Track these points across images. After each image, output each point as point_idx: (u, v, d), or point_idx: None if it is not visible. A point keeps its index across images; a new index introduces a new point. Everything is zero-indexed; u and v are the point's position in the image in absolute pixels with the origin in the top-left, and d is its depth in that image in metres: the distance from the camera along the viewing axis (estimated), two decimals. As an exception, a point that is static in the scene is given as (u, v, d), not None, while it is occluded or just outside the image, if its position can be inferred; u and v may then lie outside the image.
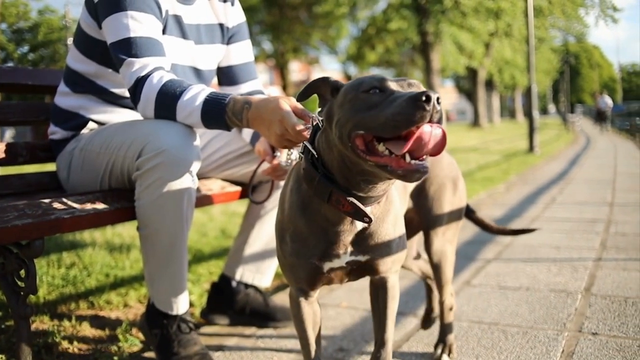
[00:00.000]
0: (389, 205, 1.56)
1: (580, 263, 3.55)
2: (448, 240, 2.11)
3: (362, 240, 1.53)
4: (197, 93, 1.89)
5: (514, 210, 5.79)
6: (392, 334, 1.74)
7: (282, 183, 2.45)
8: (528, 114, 15.67)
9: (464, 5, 20.23)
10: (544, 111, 75.44)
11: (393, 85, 1.34)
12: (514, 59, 31.85)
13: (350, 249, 1.52)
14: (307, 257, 1.53)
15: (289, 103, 1.74)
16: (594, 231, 4.57)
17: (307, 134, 1.70)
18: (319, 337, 1.68)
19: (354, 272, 1.60)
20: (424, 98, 1.19)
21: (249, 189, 2.37)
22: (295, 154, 1.97)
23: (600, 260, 3.62)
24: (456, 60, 23.76)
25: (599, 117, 30.86)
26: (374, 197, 1.45)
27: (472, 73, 30.15)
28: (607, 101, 30.74)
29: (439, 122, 1.26)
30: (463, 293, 3.01)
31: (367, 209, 1.43)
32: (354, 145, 1.30)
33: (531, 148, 14.94)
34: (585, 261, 3.59)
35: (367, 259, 1.56)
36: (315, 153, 1.46)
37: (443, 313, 2.24)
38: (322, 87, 1.47)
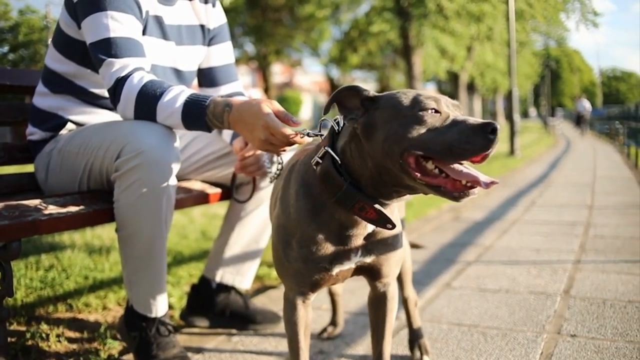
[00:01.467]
0: (392, 206, 1.57)
1: (559, 265, 3.57)
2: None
3: (369, 241, 1.57)
4: (178, 94, 1.88)
5: (495, 213, 5.82)
6: (390, 346, 1.76)
7: (262, 184, 2.45)
8: (509, 118, 15.78)
9: (447, 9, 20.30)
10: (525, 114, 75.87)
11: (445, 107, 1.37)
12: (495, 62, 32.01)
13: (359, 251, 1.55)
14: (317, 262, 1.53)
15: (271, 106, 1.74)
16: (573, 234, 4.61)
17: (298, 139, 1.70)
18: (308, 342, 1.68)
19: (356, 271, 1.62)
20: (491, 129, 1.26)
21: (232, 189, 2.36)
22: (281, 159, 1.98)
23: (579, 262, 3.64)
24: (438, 63, 23.86)
25: (579, 120, 31.12)
26: (391, 204, 1.48)
27: (454, 76, 30.29)
28: (586, 105, 31.02)
29: None
30: (443, 295, 3.02)
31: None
32: (406, 163, 1.34)
33: (512, 151, 15.04)
34: (565, 263, 3.62)
35: (373, 260, 1.59)
36: (338, 159, 1.46)
37: (409, 311, 2.25)
38: (350, 97, 1.46)
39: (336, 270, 1.55)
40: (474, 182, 1.31)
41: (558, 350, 2.25)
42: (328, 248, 1.52)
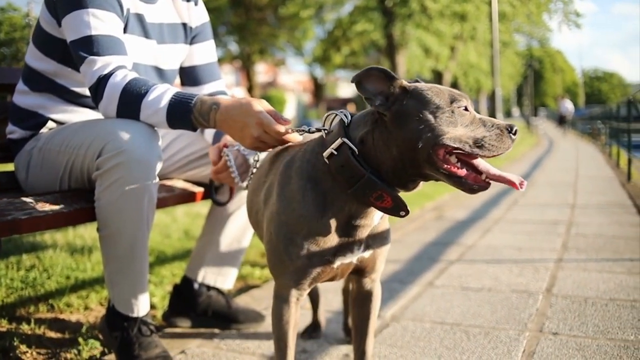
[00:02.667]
0: None
1: (541, 264, 3.59)
2: None
3: (369, 236, 1.61)
4: (163, 92, 1.87)
5: (477, 212, 5.85)
6: (372, 344, 1.77)
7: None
8: (492, 117, 15.85)
9: (430, 8, 20.35)
10: (508, 114, 76.11)
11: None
12: (478, 62, 32.14)
13: (362, 244, 1.59)
14: (321, 255, 1.55)
15: (261, 105, 1.74)
16: (555, 232, 4.64)
17: (291, 136, 1.70)
18: (295, 341, 1.68)
19: (353, 267, 1.65)
20: (514, 131, 1.43)
21: (211, 190, 2.35)
22: (260, 156, 1.97)
23: (562, 261, 3.66)
24: (422, 63, 23.91)
25: (561, 120, 31.35)
26: (406, 192, 1.55)
27: (438, 76, 30.37)
28: (568, 105, 31.28)
29: None
30: (426, 294, 3.02)
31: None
32: (435, 154, 1.40)
33: (495, 150, 15.07)
34: (547, 262, 3.64)
35: (370, 254, 1.63)
36: (356, 150, 1.48)
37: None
38: (377, 79, 1.47)
39: (338, 263, 1.58)
40: (509, 183, 1.42)
41: (540, 348, 2.26)
42: (334, 241, 1.55)
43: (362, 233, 1.58)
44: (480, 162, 1.45)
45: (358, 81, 1.48)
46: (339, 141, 1.49)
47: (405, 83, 1.47)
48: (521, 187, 1.42)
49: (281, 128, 1.69)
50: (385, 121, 1.45)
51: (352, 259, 1.60)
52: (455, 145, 1.39)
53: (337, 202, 1.52)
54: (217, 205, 2.46)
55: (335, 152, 1.49)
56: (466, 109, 1.44)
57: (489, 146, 1.40)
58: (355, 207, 1.52)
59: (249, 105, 1.73)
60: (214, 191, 2.40)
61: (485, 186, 1.44)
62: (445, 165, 1.41)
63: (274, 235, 1.59)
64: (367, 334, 1.76)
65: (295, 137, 1.71)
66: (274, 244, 1.59)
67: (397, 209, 1.49)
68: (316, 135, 1.65)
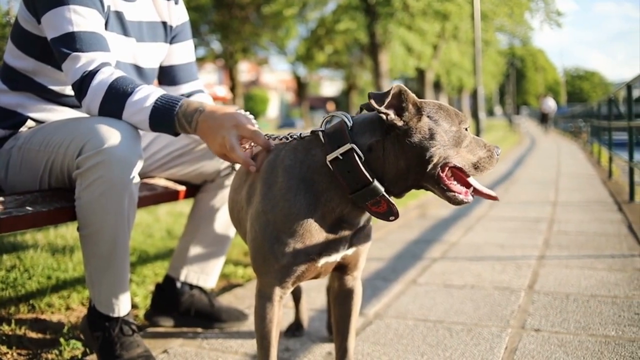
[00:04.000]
0: None
1: (523, 261, 3.61)
2: None
3: (354, 235, 1.64)
4: (150, 93, 1.87)
5: (460, 210, 5.86)
6: (354, 341, 1.78)
7: (227, 182, 2.43)
8: (475, 116, 15.93)
9: (412, 7, 20.39)
10: (490, 113, 76.56)
11: None
12: (461, 61, 32.27)
13: (347, 243, 1.62)
14: (307, 254, 1.56)
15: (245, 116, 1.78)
16: (537, 230, 4.66)
17: (250, 146, 1.73)
18: (278, 339, 1.68)
19: (336, 265, 1.68)
20: (499, 153, 1.59)
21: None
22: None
23: (543, 258, 3.69)
24: (404, 61, 23.96)
25: (543, 119, 31.53)
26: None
27: (420, 74, 30.44)
28: (550, 104, 31.44)
29: None
30: (409, 291, 3.03)
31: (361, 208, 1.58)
32: (442, 171, 1.50)
33: (478, 149, 15.13)
34: (529, 259, 3.66)
35: (353, 252, 1.66)
36: (362, 156, 1.51)
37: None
38: (395, 94, 1.49)
39: (322, 261, 1.59)
40: (488, 197, 1.59)
41: (522, 345, 2.27)
42: (320, 240, 1.56)
43: (348, 233, 1.60)
44: (471, 179, 1.57)
45: (372, 95, 1.51)
46: (347, 146, 1.50)
47: (417, 100, 1.51)
48: (497, 200, 1.61)
49: (256, 127, 1.72)
50: (399, 134, 1.48)
51: (336, 257, 1.62)
52: (459, 166, 1.51)
53: (329, 204, 1.54)
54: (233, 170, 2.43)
55: (341, 157, 1.50)
56: (466, 129, 1.54)
57: (482, 167, 1.55)
58: (349, 209, 1.55)
59: (232, 112, 1.76)
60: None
61: (470, 201, 1.55)
62: (447, 182, 1.51)
63: (259, 233, 1.59)
64: (349, 332, 1.77)
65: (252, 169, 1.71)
66: (259, 242, 1.59)
67: (389, 214, 1.54)
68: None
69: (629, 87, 6.31)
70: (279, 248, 1.55)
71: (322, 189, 1.54)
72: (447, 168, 1.50)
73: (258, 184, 1.64)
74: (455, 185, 1.52)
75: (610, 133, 8.88)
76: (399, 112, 1.48)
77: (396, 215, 1.54)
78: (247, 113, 1.82)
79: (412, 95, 1.50)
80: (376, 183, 1.49)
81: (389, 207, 1.52)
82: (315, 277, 1.68)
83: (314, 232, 1.55)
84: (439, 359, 2.18)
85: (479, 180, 1.62)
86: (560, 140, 22.48)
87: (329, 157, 1.51)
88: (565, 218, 5.19)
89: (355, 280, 1.77)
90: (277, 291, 1.62)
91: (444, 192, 1.51)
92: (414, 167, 1.49)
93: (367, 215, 1.63)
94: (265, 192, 1.59)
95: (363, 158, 1.50)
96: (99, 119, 1.89)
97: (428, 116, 1.49)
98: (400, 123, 1.47)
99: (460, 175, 1.54)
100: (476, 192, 1.57)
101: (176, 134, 1.88)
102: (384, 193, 1.50)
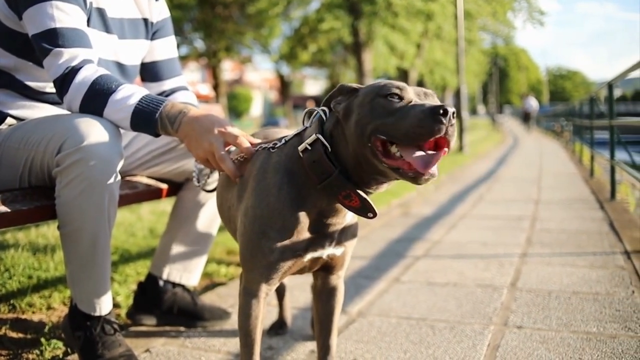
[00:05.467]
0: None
1: (506, 259, 3.63)
2: None
3: (341, 235, 1.63)
4: (134, 92, 1.86)
5: (444, 208, 5.88)
6: (336, 339, 1.78)
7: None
8: (458, 115, 15.96)
9: (395, 5, 20.40)
10: (473, 112, 76.92)
11: (411, 93, 1.43)
12: (444, 60, 32.34)
13: (333, 241, 1.61)
14: (293, 250, 1.56)
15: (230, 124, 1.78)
16: (519, 228, 4.69)
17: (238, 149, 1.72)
18: (261, 337, 1.68)
19: (321, 264, 1.67)
20: (441, 111, 1.29)
21: (196, 176, 2.30)
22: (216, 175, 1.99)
23: (526, 255, 3.70)
24: (387, 60, 23.98)
25: (526, 118, 31.73)
26: (373, 193, 1.54)
27: (404, 73, 30.49)
28: (532, 103, 31.65)
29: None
30: (392, 290, 3.03)
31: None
32: (374, 146, 1.40)
33: (461, 148, 15.22)
34: (511, 257, 3.68)
35: (341, 252, 1.65)
36: (329, 146, 1.50)
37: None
38: (342, 91, 1.53)
39: (308, 256, 1.59)
40: (414, 164, 1.34)
41: (505, 342, 2.28)
42: (306, 236, 1.56)
43: (333, 230, 1.59)
44: (411, 150, 1.36)
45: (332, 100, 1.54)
46: (313, 137, 1.51)
47: (357, 86, 1.52)
48: (422, 171, 1.33)
49: (236, 129, 1.73)
50: (339, 119, 1.50)
51: (322, 253, 1.61)
52: (384, 136, 1.37)
53: (309, 198, 1.54)
54: (204, 192, 2.38)
55: (310, 148, 1.51)
56: (399, 97, 1.40)
57: (413, 134, 1.33)
58: (326, 203, 1.54)
59: (217, 116, 1.77)
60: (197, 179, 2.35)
61: (422, 172, 1.34)
62: (384, 159, 1.39)
63: (248, 228, 1.59)
64: (332, 329, 1.77)
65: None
66: (247, 237, 1.60)
67: (365, 209, 1.50)
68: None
69: (610, 86, 6.35)
70: (266, 243, 1.55)
71: (301, 183, 1.54)
72: (377, 141, 1.38)
73: (249, 181, 1.64)
74: (397, 161, 1.37)
75: (592, 132, 8.95)
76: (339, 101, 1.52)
77: (373, 211, 1.50)
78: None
79: (352, 84, 1.53)
80: (338, 173, 1.47)
81: (361, 201, 1.48)
82: (300, 272, 1.68)
83: (299, 228, 1.55)
84: (421, 356, 2.19)
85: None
86: (543, 139, 22.61)
87: (300, 148, 1.52)
88: (548, 216, 5.22)
89: (339, 279, 1.77)
90: (263, 288, 1.62)
91: (392, 171, 1.38)
92: (356, 149, 1.44)
93: (350, 213, 1.61)
94: (254, 188, 1.60)
95: (329, 149, 1.50)
96: (79, 116, 1.87)
97: (358, 95, 1.48)
98: (337, 107, 1.51)
99: (405, 149, 1.36)
100: (414, 163, 1.34)
101: (157, 135, 1.87)
102: (350, 184, 1.47)
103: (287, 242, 1.55)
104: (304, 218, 1.55)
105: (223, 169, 1.72)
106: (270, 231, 1.55)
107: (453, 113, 1.31)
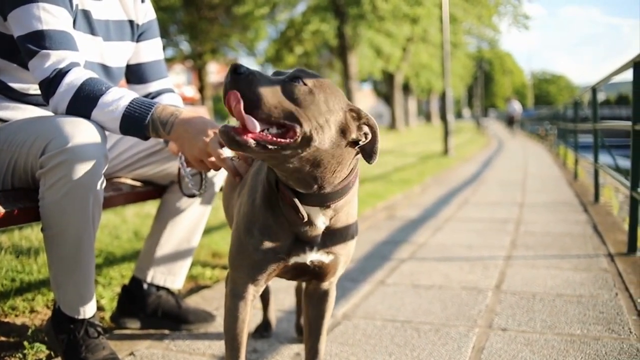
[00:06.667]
0: (352, 209, 1.60)
1: (491, 261, 3.64)
2: None
3: (328, 241, 1.57)
4: (124, 95, 1.86)
5: (429, 211, 5.90)
6: (325, 342, 1.77)
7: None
8: (443, 118, 16.02)
9: (381, 9, 20.46)
10: (459, 115, 77.26)
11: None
12: (430, 63, 32.49)
13: (315, 246, 1.56)
14: (275, 252, 1.54)
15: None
16: (504, 230, 4.70)
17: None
18: (246, 339, 1.67)
19: (309, 272, 1.63)
20: (232, 69, 1.36)
21: (179, 182, 2.29)
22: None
23: (510, 258, 3.72)
24: (373, 64, 24.06)
25: (511, 121, 31.91)
26: (314, 195, 1.47)
27: (390, 77, 30.59)
28: (516, 106, 31.87)
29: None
30: (377, 292, 3.03)
31: (316, 210, 1.50)
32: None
33: (446, 151, 15.26)
34: (496, 259, 3.69)
35: (331, 260, 1.60)
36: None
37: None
38: None
39: (292, 260, 1.57)
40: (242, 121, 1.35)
41: (489, 344, 2.28)
42: (285, 239, 1.54)
43: (312, 234, 1.55)
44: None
45: None
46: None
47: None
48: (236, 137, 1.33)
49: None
50: None
51: (306, 259, 1.58)
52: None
53: (276, 197, 1.54)
54: (187, 197, 2.37)
55: None
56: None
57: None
58: (284, 206, 1.52)
59: (209, 118, 1.79)
60: (182, 184, 2.33)
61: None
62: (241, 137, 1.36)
63: (238, 225, 1.61)
64: (321, 333, 1.76)
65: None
66: (236, 234, 1.61)
67: (296, 210, 1.48)
68: None
69: (593, 90, 6.39)
70: (250, 241, 1.55)
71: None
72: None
73: (247, 179, 1.67)
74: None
75: (576, 135, 9.01)
76: None
77: (299, 212, 1.47)
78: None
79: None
80: (269, 171, 1.51)
81: (290, 201, 1.47)
82: (292, 279, 1.68)
83: (276, 228, 1.54)
84: (406, 358, 2.19)
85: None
86: (527, 143, 22.73)
87: None
88: (532, 219, 5.24)
89: (332, 284, 1.75)
90: (250, 289, 1.61)
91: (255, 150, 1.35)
92: None
93: (323, 218, 1.53)
94: (249, 185, 1.62)
95: None
96: (63, 117, 1.86)
97: None
98: None
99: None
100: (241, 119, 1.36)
101: (146, 138, 1.87)
102: (281, 183, 1.47)
103: (268, 242, 1.54)
104: (276, 218, 1.53)
105: (223, 167, 1.72)
106: (254, 229, 1.55)
107: (235, 68, 1.36)
